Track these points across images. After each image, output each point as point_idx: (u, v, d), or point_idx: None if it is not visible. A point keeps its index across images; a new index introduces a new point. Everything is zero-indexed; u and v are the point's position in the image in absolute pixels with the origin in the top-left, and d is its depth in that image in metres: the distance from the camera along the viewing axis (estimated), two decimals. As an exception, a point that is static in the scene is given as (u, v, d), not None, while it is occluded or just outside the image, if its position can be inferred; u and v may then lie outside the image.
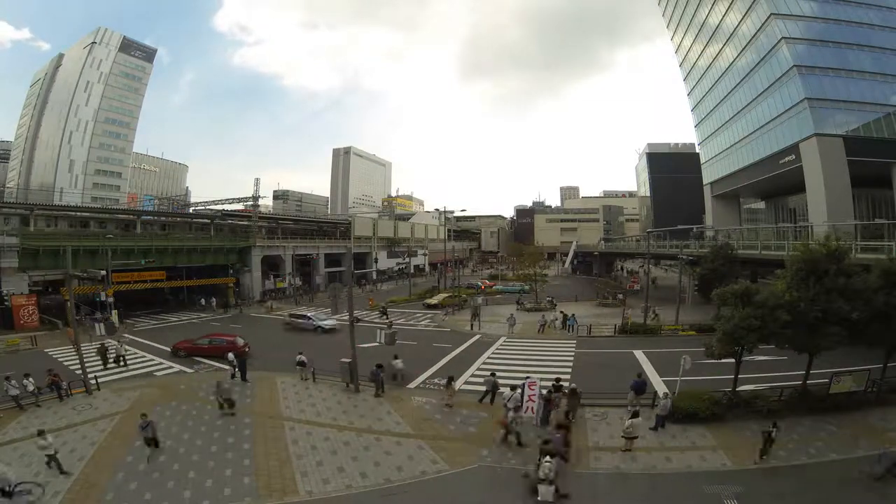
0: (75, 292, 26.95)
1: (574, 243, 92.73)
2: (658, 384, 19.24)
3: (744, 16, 48.94)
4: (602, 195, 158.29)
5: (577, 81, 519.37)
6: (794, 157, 43.17)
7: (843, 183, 39.06)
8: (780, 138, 45.62)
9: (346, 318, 20.71)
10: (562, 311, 34.92)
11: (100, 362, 23.07)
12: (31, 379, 18.25)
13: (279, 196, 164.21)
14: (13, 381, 17.57)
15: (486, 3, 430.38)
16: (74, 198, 76.13)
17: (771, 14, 43.84)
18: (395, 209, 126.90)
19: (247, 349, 24.88)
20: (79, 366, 19.76)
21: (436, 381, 20.60)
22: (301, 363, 20.72)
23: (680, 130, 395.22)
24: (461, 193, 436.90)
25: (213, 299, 44.01)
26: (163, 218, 60.14)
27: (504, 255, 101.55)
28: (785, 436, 13.60)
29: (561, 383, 16.84)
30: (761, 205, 61.94)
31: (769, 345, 15.66)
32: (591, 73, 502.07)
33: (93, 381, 19.46)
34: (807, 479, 12.01)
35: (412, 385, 20.14)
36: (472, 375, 21.37)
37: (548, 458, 11.00)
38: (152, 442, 13.74)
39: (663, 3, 71.53)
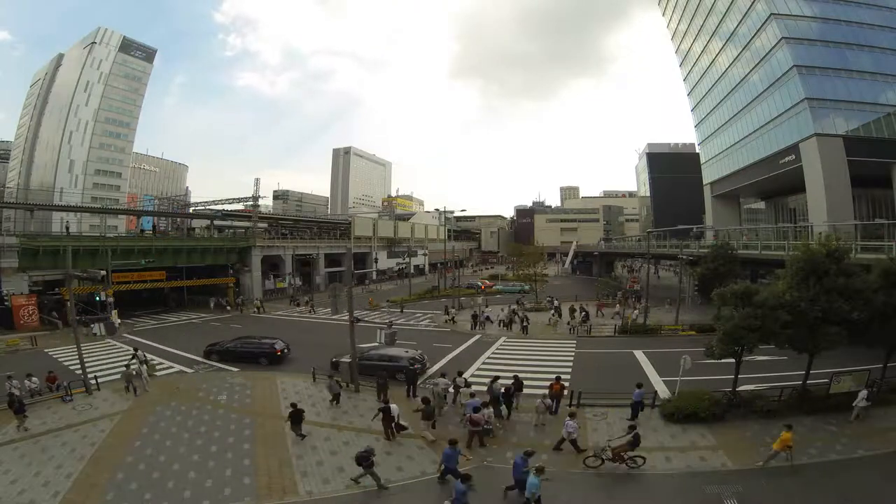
0: (75, 292, 26.93)
1: (574, 243, 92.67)
2: (658, 384, 19.28)
3: (743, 16, 48.85)
4: (602, 195, 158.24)
5: (577, 81, 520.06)
6: (794, 157, 43.11)
7: (843, 183, 38.98)
8: (780, 138, 45.54)
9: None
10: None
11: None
12: (34, 379, 18.27)
13: (279, 196, 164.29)
14: (14, 382, 17.59)
15: (485, 2, 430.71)
16: (74, 198, 75.97)
17: (771, 14, 43.80)
18: (395, 209, 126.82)
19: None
20: (79, 365, 19.74)
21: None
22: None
23: (680, 130, 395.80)
24: (461, 193, 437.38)
25: (219, 299, 44.20)
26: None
27: (504, 255, 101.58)
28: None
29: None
30: (761, 205, 61.86)
31: (769, 345, 15.65)
32: (591, 73, 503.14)
33: (93, 381, 19.48)
34: (807, 479, 12.00)
35: (412, 385, 20.10)
36: (472, 375, 21.37)
37: None
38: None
39: (663, 3, 71.55)
